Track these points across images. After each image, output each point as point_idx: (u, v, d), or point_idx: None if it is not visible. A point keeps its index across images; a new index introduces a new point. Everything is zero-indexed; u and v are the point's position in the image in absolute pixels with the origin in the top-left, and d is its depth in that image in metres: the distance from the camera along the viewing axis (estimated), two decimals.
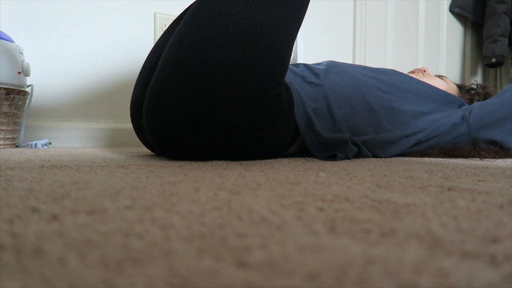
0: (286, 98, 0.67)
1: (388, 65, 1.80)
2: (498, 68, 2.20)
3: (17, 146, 1.10)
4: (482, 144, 0.87)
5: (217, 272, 0.15)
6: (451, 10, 2.07)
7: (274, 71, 0.61)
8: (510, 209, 0.27)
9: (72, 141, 1.28)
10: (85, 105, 1.31)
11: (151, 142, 0.68)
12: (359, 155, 0.79)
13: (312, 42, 1.63)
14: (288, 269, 0.15)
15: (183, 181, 0.39)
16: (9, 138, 1.04)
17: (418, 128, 0.86)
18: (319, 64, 0.90)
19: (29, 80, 1.12)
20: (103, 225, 0.21)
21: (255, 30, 0.58)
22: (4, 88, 0.99)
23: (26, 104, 1.10)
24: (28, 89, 1.10)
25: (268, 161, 0.67)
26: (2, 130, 1.01)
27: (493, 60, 1.98)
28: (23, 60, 1.06)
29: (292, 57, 1.74)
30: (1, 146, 1.01)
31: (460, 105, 0.95)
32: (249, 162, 0.63)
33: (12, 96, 1.02)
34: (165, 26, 1.35)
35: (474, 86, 1.13)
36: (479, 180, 0.43)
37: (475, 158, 0.82)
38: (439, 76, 1.12)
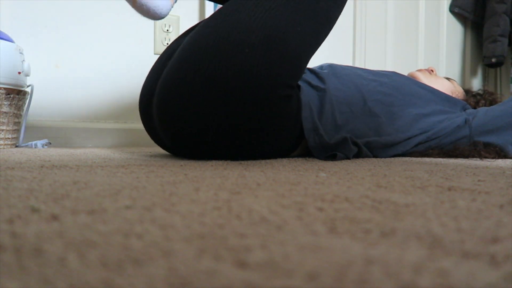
0: (295, 102, 0.67)
1: (388, 65, 1.80)
2: (498, 68, 2.20)
3: (17, 146, 1.10)
4: (481, 145, 0.87)
5: (217, 272, 0.15)
6: (451, 10, 2.07)
7: (291, 73, 0.62)
8: (510, 209, 0.27)
9: (72, 141, 1.28)
10: (85, 105, 1.31)
11: (162, 137, 0.68)
12: (359, 155, 0.79)
13: None
14: (288, 269, 0.15)
15: (183, 181, 0.39)
16: (9, 138, 1.04)
17: (420, 130, 0.86)
18: (320, 67, 0.91)
19: (29, 80, 1.12)
20: (103, 225, 0.21)
21: (275, 36, 0.59)
22: (4, 88, 0.99)
23: (26, 104, 1.10)
24: (28, 89, 1.10)
25: (268, 161, 0.67)
26: (2, 130, 1.01)
27: (493, 60, 1.98)
28: (23, 60, 1.06)
29: None
30: (1, 146, 1.01)
31: (464, 108, 0.95)
32: (249, 162, 0.64)
33: (12, 96, 1.02)
34: (165, 26, 1.35)
35: (481, 92, 1.13)
36: (479, 180, 0.43)
37: (475, 158, 0.82)
38: (447, 79, 1.12)
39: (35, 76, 1.18)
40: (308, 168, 0.55)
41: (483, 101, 1.07)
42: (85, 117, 1.31)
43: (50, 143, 1.15)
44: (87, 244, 0.18)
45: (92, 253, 0.17)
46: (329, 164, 0.62)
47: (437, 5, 2.02)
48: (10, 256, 0.16)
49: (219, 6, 1.05)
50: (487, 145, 0.87)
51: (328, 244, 0.19)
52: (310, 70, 0.87)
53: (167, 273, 0.15)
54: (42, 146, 1.08)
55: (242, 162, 0.63)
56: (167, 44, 1.34)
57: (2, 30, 1.08)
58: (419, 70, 1.13)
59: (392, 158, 0.81)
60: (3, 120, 1.01)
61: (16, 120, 1.07)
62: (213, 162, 0.61)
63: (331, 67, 0.89)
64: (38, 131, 1.22)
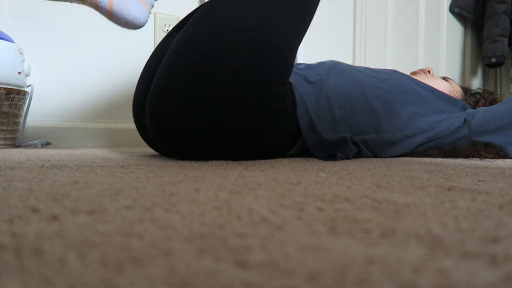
0: (290, 99, 0.67)
1: (388, 65, 1.80)
2: (498, 68, 2.20)
3: (17, 146, 1.10)
4: (481, 145, 0.87)
5: (217, 272, 0.15)
6: (451, 10, 2.07)
7: (277, 71, 0.62)
8: (510, 209, 0.27)
9: (72, 141, 1.28)
10: (85, 105, 1.31)
11: (154, 139, 0.68)
12: (359, 155, 0.79)
13: (312, 42, 1.63)
14: (288, 269, 0.15)
15: (183, 181, 0.39)
16: (9, 138, 1.04)
17: (418, 129, 0.85)
18: (321, 63, 0.90)
19: (29, 80, 1.12)
20: (103, 225, 0.21)
21: (260, 30, 0.59)
22: (4, 88, 0.99)
23: (26, 104, 1.10)
24: (28, 89, 1.10)
25: (268, 161, 0.67)
26: (2, 130, 1.01)
27: (493, 60, 1.98)
28: (23, 60, 1.06)
29: None
30: (1, 146, 1.01)
31: (463, 108, 0.95)
32: (249, 162, 0.63)
33: (12, 96, 1.02)
34: (165, 26, 1.35)
35: (480, 91, 1.12)
36: (479, 180, 0.43)
37: (475, 158, 0.82)
38: (444, 78, 1.11)
39: (35, 76, 1.18)
40: (308, 168, 0.55)
41: (483, 101, 1.06)
42: (85, 117, 1.31)
43: (50, 143, 1.15)
44: (87, 244, 0.18)
45: (92, 253, 0.17)
46: (329, 164, 0.62)
47: (437, 5, 2.02)
48: (10, 256, 0.16)
49: None
50: (487, 145, 0.86)
51: (328, 244, 0.19)
52: (308, 65, 0.87)
53: (167, 273, 0.15)
54: (42, 146, 1.08)
55: (242, 162, 0.63)
56: None
57: (2, 30, 1.07)
58: (414, 73, 1.12)
59: (392, 158, 0.81)
60: (3, 120, 1.01)
61: (16, 120, 1.07)
62: (213, 162, 0.61)
63: (332, 63, 0.88)
64: (38, 131, 1.22)
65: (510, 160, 0.82)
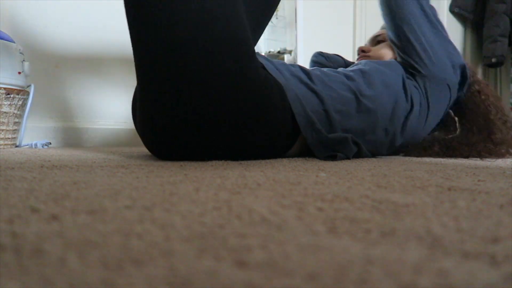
0: (275, 87, 0.67)
1: None
2: (498, 68, 2.20)
3: (17, 146, 1.10)
4: (480, 145, 0.87)
5: (217, 272, 0.15)
6: (451, 10, 2.07)
7: (236, 55, 0.61)
8: (510, 209, 0.27)
9: (72, 141, 1.28)
10: (85, 105, 1.31)
11: (147, 140, 0.68)
12: (359, 155, 0.79)
13: (311, 42, 1.63)
14: (288, 269, 0.15)
15: (183, 181, 0.39)
16: (9, 138, 1.04)
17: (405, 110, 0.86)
18: (316, 68, 0.91)
19: (29, 80, 1.12)
20: (103, 225, 0.21)
21: (202, 20, 0.58)
22: (4, 88, 0.99)
23: (26, 104, 1.10)
24: (28, 89, 1.10)
25: (268, 161, 0.67)
26: (2, 130, 1.02)
27: (493, 60, 1.98)
28: (23, 60, 1.06)
29: (292, 57, 1.74)
30: (1, 146, 1.01)
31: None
32: (249, 162, 0.63)
33: (12, 96, 1.02)
34: None
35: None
36: (479, 180, 0.43)
37: (475, 158, 0.82)
38: (378, 42, 1.08)
39: (35, 76, 1.18)
40: (308, 168, 0.55)
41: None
42: (85, 117, 1.31)
43: (50, 143, 1.15)
44: (87, 244, 0.18)
45: (92, 253, 0.17)
46: (329, 164, 0.62)
47: (437, 5, 2.01)
48: (10, 256, 0.16)
49: None
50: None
51: (328, 244, 0.19)
52: (301, 67, 0.86)
53: (167, 273, 0.15)
54: (42, 146, 1.08)
55: (242, 162, 0.63)
56: None
57: (2, 30, 1.08)
58: (362, 57, 1.08)
59: (392, 158, 0.81)
60: (3, 120, 1.01)
61: (16, 120, 1.07)
62: (213, 162, 0.61)
63: (319, 69, 0.89)
64: (38, 131, 1.22)
65: (510, 160, 0.82)
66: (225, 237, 0.20)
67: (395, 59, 1.01)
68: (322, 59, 1.22)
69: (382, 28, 1.15)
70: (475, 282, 0.15)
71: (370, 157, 0.82)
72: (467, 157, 0.84)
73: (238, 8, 0.63)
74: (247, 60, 0.64)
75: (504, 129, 0.94)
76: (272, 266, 0.16)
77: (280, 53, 1.78)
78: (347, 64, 1.25)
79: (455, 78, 0.93)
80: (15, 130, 1.07)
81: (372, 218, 0.24)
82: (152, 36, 0.58)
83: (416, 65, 0.90)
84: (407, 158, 0.82)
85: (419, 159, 0.81)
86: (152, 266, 0.15)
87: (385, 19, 0.97)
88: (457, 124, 1.03)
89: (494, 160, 0.81)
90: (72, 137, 1.28)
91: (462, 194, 0.34)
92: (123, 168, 0.51)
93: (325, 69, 0.88)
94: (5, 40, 1.02)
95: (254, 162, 0.64)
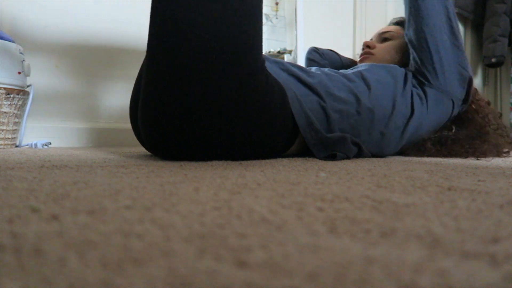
0: (275, 89, 0.67)
1: None
2: (498, 68, 2.20)
3: (17, 146, 1.10)
4: (478, 144, 0.87)
5: (217, 272, 0.15)
6: None
7: (245, 57, 0.61)
8: (510, 209, 0.27)
9: (72, 141, 1.28)
10: (85, 105, 1.31)
11: (146, 139, 0.67)
12: (359, 155, 0.79)
13: (311, 42, 1.63)
14: (288, 269, 0.15)
15: (183, 181, 0.39)
16: (9, 138, 1.04)
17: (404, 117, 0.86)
18: (317, 68, 0.91)
19: (29, 80, 1.12)
20: (103, 225, 0.21)
21: (216, 22, 0.58)
22: (4, 88, 0.99)
23: (26, 104, 1.10)
24: (28, 89, 1.10)
25: (268, 161, 0.67)
26: (2, 130, 1.02)
27: (493, 60, 1.98)
28: (23, 60, 1.06)
29: (292, 57, 1.74)
30: (1, 146, 1.01)
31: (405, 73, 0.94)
32: (249, 162, 0.63)
33: (12, 96, 1.02)
34: None
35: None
36: (479, 180, 0.43)
37: (474, 158, 0.83)
38: (385, 39, 1.07)
39: (35, 76, 1.18)
40: (308, 168, 0.55)
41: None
42: (85, 117, 1.31)
43: (50, 143, 1.15)
44: (87, 244, 0.18)
45: (92, 253, 0.17)
46: (329, 164, 0.62)
47: None
48: (10, 256, 0.16)
49: None
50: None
51: (328, 244, 0.19)
52: (301, 67, 0.86)
53: (167, 273, 0.15)
54: (42, 146, 1.08)
55: (242, 162, 0.63)
56: None
57: (2, 30, 1.08)
58: (362, 60, 1.07)
59: (392, 158, 0.81)
60: (3, 120, 1.01)
61: (16, 120, 1.07)
62: (213, 162, 0.61)
63: (328, 69, 0.89)
64: (38, 131, 1.22)
65: (510, 160, 0.82)
66: (225, 237, 0.20)
67: (398, 62, 1.01)
68: (316, 57, 1.22)
69: (391, 23, 1.13)
70: (475, 282, 0.15)
71: (370, 157, 0.82)
72: (465, 157, 0.84)
73: (259, 11, 0.63)
74: (259, 62, 0.64)
75: (498, 136, 0.95)
76: (272, 266, 0.16)
77: (280, 53, 1.78)
78: (342, 61, 1.24)
79: (460, 94, 0.93)
80: (15, 130, 1.07)
81: (372, 218, 0.24)
82: (175, 33, 0.58)
83: (427, 74, 0.90)
84: (407, 158, 0.82)
85: (419, 159, 0.81)
86: (152, 266, 0.15)
87: (409, 18, 0.94)
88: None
89: (491, 159, 0.81)
90: (72, 137, 1.28)
91: (462, 194, 0.34)
92: (123, 168, 0.51)
93: (325, 69, 0.89)
94: (5, 40, 1.02)
95: (254, 162, 0.64)
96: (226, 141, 0.63)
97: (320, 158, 0.72)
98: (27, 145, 1.11)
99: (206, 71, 0.58)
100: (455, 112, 0.94)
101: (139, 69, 0.78)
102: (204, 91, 0.58)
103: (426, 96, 0.89)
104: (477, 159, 0.81)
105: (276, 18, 1.80)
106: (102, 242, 0.18)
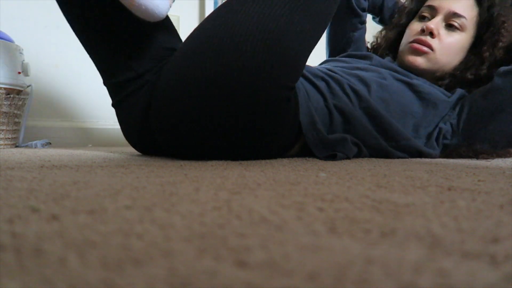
0: (293, 103, 0.67)
1: None
2: None
3: (17, 146, 1.10)
4: (479, 145, 0.86)
5: (217, 272, 0.15)
6: None
7: (287, 75, 0.62)
8: (510, 209, 0.27)
9: (72, 141, 1.28)
10: (85, 105, 1.31)
11: (159, 139, 0.68)
12: (359, 155, 0.79)
13: None
14: (288, 269, 0.15)
15: (183, 181, 0.39)
16: (9, 138, 1.04)
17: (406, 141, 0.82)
18: (320, 66, 0.91)
19: (29, 80, 1.12)
20: (103, 225, 0.21)
21: (277, 34, 0.58)
22: (4, 88, 0.99)
23: (26, 104, 1.10)
24: (28, 89, 1.10)
25: (268, 161, 0.67)
26: (2, 130, 1.02)
27: None
28: (23, 60, 1.06)
29: None
30: (1, 146, 1.01)
31: (456, 103, 0.86)
32: (249, 162, 0.63)
33: (12, 96, 1.02)
34: None
35: (486, 12, 0.85)
36: (479, 180, 0.43)
37: (474, 158, 0.82)
38: (451, 26, 0.86)
39: (35, 76, 1.18)
40: (308, 168, 0.55)
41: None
42: (85, 117, 1.31)
43: (50, 143, 1.15)
44: (87, 244, 0.18)
45: (92, 253, 0.17)
46: (329, 164, 0.62)
47: None
48: (10, 256, 0.16)
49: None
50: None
51: (328, 244, 0.19)
52: (308, 66, 0.86)
53: (167, 273, 0.15)
54: (42, 146, 1.08)
55: (242, 162, 0.63)
56: None
57: (2, 30, 1.07)
58: (416, 48, 0.87)
59: (393, 158, 0.81)
60: (3, 120, 1.01)
61: (16, 120, 1.07)
62: (213, 162, 0.61)
63: (331, 66, 0.89)
64: (38, 131, 1.22)
65: (510, 160, 0.82)
66: (225, 237, 0.20)
67: (451, 69, 0.89)
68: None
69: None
70: (475, 282, 0.15)
71: (369, 157, 0.82)
72: (465, 158, 0.84)
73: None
74: (296, 78, 0.65)
75: None
76: (272, 266, 0.16)
77: None
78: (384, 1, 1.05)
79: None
80: (15, 130, 1.07)
81: (372, 218, 0.24)
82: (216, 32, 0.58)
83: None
84: (407, 158, 0.82)
85: (419, 159, 0.81)
86: (152, 266, 0.15)
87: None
88: None
89: (492, 159, 0.81)
90: (72, 137, 1.28)
91: (462, 194, 0.34)
92: (123, 168, 0.51)
93: (337, 67, 0.87)
94: (5, 40, 1.02)
95: (254, 162, 0.64)
96: (239, 143, 0.63)
97: (320, 158, 0.73)
98: (27, 145, 1.11)
99: (251, 82, 0.58)
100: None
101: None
102: (240, 98, 0.59)
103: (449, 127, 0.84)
104: (477, 159, 0.81)
105: None
106: (102, 242, 0.18)
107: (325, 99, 0.77)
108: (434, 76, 0.92)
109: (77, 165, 0.53)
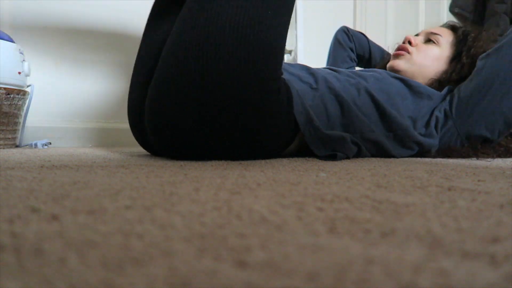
0: (285, 94, 0.67)
1: None
2: None
3: (17, 146, 1.10)
4: (479, 145, 0.86)
5: (217, 272, 0.15)
6: (451, 10, 2.07)
7: (269, 66, 0.62)
8: (510, 209, 0.27)
9: (72, 141, 1.28)
10: (85, 105, 1.31)
11: (152, 140, 0.68)
12: (359, 155, 0.79)
13: (311, 42, 1.63)
14: (288, 269, 0.15)
15: (183, 181, 0.39)
16: (9, 138, 1.04)
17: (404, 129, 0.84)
18: (317, 68, 0.91)
19: (29, 80, 1.12)
20: (103, 225, 0.21)
21: (251, 25, 0.59)
22: (4, 88, 0.99)
23: (26, 104, 1.10)
24: (28, 89, 1.10)
25: (268, 161, 0.67)
26: (2, 130, 1.01)
27: None
28: (23, 60, 1.06)
29: (292, 57, 1.74)
30: (1, 146, 1.01)
31: (446, 94, 0.90)
32: (249, 162, 0.63)
33: (12, 96, 1.02)
34: None
35: (461, 35, 0.98)
36: (479, 180, 0.43)
37: (474, 158, 0.82)
38: (429, 40, 0.99)
39: (35, 76, 1.18)
40: (308, 168, 0.55)
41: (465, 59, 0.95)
42: (85, 117, 1.31)
43: (50, 143, 1.15)
44: (87, 244, 0.18)
45: (92, 253, 0.17)
46: (329, 164, 0.62)
47: (437, 5, 2.02)
48: (10, 256, 0.16)
49: None
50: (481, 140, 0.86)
51: (328, 244, 0.19)
52: (302, 66, 0.86)
53: (167, 273, 0.15)
54: (42, 146, 1.08)
55: (242, 162, 0.63)
56: None
57: (2, 30, 1.07)
58: (397, 55, 0.98)
59: (392, 158, 0.81)
60: (3, 120, 1.01)
61: (16, 120, 1.07)
62: (213, 162, 0.61)
63: (329, 68, 0.90)
64: (38, 131, 1.22)
65: (510, 160, 0.82)
66: (225, 237, 0.20)
67: (434, 75, 0.95)
68: (344, 38, 1.19)
69: (445, 25, 1.05)
70: (475, 282, 0.15)
71: (369, 157, 0.82)
72: (464, 157, 0.84)
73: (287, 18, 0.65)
74: (280, 68, 0.65)
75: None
76: (272, 266, 0.16)
77: None
78: (371, 46, 1.21)
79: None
80: (15, 130, 1.07)
81: (372, 218, 0.24)
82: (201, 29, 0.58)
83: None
84: (407, 158, 0.82)
85: (419, 159, 0.81)
86: (152, 266, 0.15)
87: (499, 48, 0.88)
88: None
89: (493, 159, 0.81)
90: (72, 137, 1.28)
91: (462, 194, 0.34)
92: (123, 168, 0.51)
93: (327, 70, 0.88)
94: (5, 40, 1.02)
95: (254, 162, 0.64)
96: (234, 141, 0.63)
97: (320, 157, 0.72)
98: (27, 145, 1.11)
99: (235, 78, 0.59)
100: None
101: (134, 67, 0.78)
102: (228, 95, 0.59)
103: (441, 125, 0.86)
104: (477, 159, 0.80)
105: None
106: (102, 242, 0.18)
107: (316, 89, 0.77)
108: (422, 82, 0.97)
109: (77, 165, 0.53)
